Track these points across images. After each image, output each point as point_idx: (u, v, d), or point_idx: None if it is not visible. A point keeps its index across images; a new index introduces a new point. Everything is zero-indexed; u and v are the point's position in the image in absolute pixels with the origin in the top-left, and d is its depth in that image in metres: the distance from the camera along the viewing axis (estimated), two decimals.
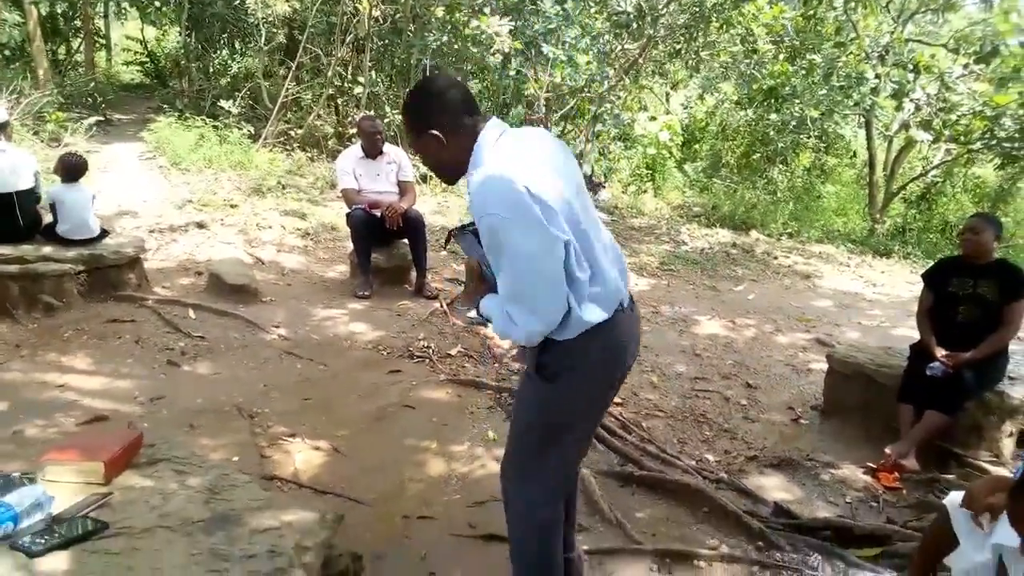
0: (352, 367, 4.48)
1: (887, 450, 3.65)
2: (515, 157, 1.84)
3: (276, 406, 3.87)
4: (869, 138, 12.38)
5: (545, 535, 2.15)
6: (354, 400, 4.03)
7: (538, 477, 2.12)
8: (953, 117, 9.87)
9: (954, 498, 2.19)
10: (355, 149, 5.89)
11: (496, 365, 4.69)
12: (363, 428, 3.71)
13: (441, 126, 1.90)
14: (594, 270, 1.92)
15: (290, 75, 10.83)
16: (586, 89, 10.21)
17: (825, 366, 4.48)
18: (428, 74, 9.84)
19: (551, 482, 2.14)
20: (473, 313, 2.10)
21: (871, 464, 3.67)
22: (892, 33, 10.35)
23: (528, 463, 2.12)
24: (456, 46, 10.06)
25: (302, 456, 3.39)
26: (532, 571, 2.19)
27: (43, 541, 1.84)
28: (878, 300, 7.65)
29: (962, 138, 10.39)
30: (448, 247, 6.42)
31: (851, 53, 9.75)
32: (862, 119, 12.13)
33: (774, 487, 3.51)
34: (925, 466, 3.64)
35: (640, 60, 10.20)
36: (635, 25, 9.54)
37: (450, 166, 1.98)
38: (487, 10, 9.46)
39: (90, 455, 2.18)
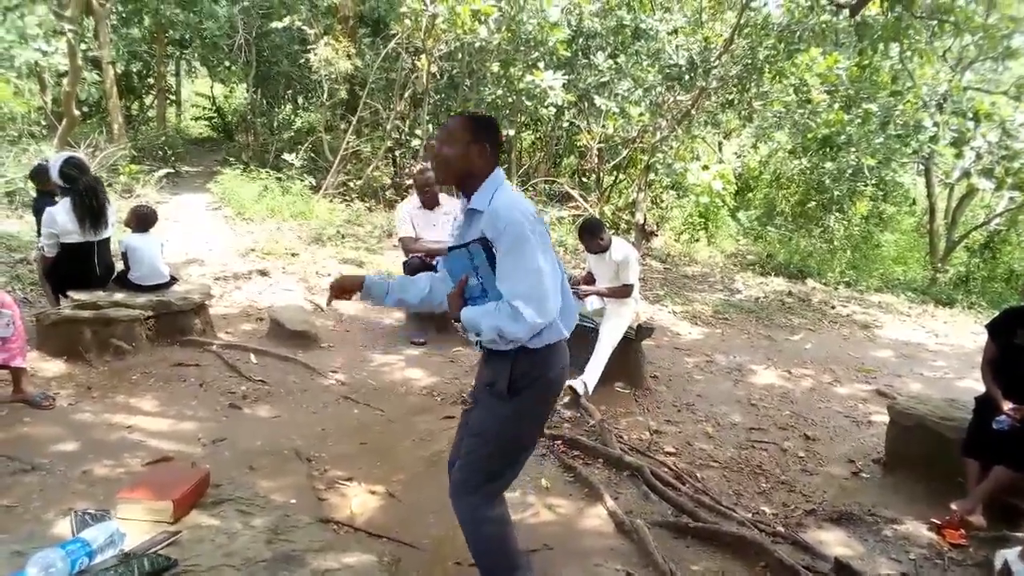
0: (407, 412, 4.55)
1: (953, 506, 3.55)
2: (523, 200, 2.32)
3: (333, 450, 3.94)
4: (929, 186, 12.17)
5: (500, 532, 2.38)
6: (409, 445, 4.08)
7: (487, 490, 2.37)
8: (1016, 165, 9.66)
9: (1013, 551, 2.15)
10: (414, 199, 6.06)
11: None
12: (418, 473, 3.75)
13: (485, 147, 2.31)
14: (563, 299, 2.32)
15: (350, 129, 11.21)
16: (638, 139, 10.32)
17: (886, 418, 4.38)
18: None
19: (497, 492, 2.40)
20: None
21: (936, 520, 3.56)
22: (950, 81, 10.24)
23: (484, 480, 2.36)
24: (511, 99, 10.31)
25: (358, 500, 3.44)
26: (498, 570, 2.39)
27: None
28: (941, 351, 7.45)
29: None
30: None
31: (908, 102, 9.66)
32: (921, 167, 11.94)
33: (834, 542, 3.43)
34: (992, 523, 3.52)
35: (692, 111, 10.27)
36: (687, 77, 9.64)
37: (462, 175, 2.34)
38: (541, 64, 9.71)
39: (160, 494, 2.26)
